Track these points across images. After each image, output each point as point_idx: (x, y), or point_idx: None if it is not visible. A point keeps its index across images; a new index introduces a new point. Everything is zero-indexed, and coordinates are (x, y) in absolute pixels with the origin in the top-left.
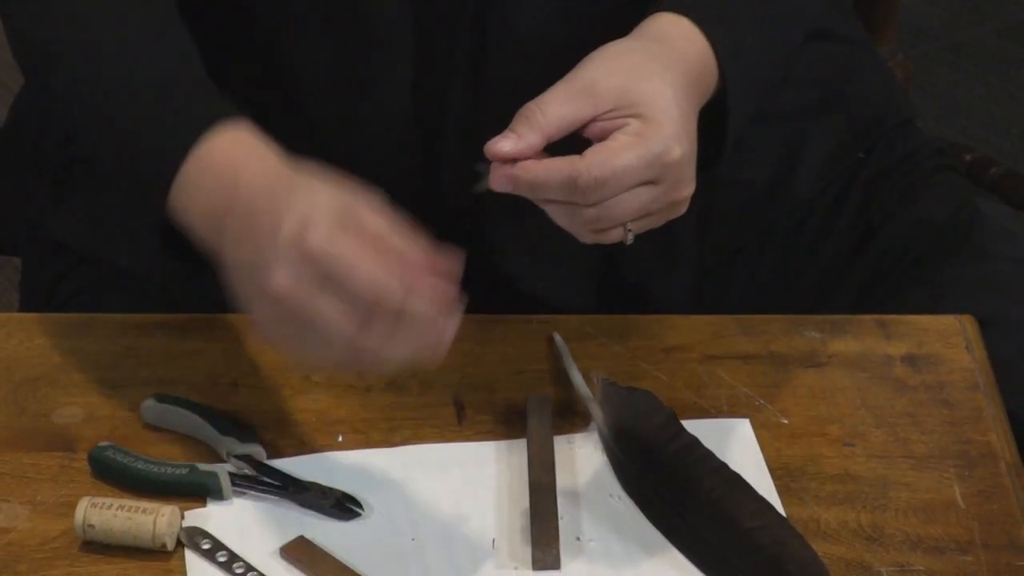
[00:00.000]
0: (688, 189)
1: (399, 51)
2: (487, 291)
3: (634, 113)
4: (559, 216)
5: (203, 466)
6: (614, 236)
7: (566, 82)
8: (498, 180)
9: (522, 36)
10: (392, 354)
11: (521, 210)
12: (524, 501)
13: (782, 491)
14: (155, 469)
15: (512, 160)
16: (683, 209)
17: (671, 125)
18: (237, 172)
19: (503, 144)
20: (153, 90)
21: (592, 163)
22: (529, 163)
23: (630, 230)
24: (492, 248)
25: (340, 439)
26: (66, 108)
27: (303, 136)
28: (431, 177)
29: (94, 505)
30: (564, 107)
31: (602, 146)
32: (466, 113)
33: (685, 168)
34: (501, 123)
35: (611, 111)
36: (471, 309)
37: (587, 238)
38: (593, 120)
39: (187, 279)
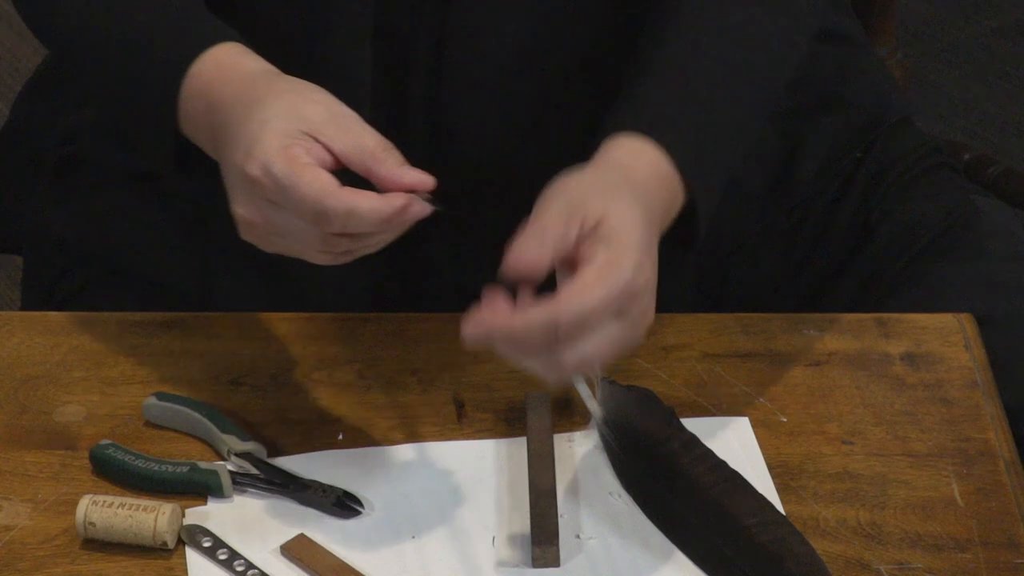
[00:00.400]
0: (649, 318)
1: (358, 48)
2: (438, 291)
3: (603, 239)
4: (531, 363)
5: (204, 464)
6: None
7: (556, 202)
8: (473, 332)
9: (483, 33)
10: (365, 244)
11: (469, 218)
12: (524, 499)
13: (781, 489)
14: (156, 467)
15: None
16: (641, 340)
17: (635, 255)
18: (214, 95)
19: (523, 257)
20: (147, 20)
21: (570, 304)
22: (506, 317)
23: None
24: (440, 247)
25: (340, 437)
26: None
27: None
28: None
29: (95, 503)
30: (563, 226)
31: (575, 285)
32: (427, 104)
33: (648, 298)
34: (461, 115)
35: (587, 233)
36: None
37: (554, 378)
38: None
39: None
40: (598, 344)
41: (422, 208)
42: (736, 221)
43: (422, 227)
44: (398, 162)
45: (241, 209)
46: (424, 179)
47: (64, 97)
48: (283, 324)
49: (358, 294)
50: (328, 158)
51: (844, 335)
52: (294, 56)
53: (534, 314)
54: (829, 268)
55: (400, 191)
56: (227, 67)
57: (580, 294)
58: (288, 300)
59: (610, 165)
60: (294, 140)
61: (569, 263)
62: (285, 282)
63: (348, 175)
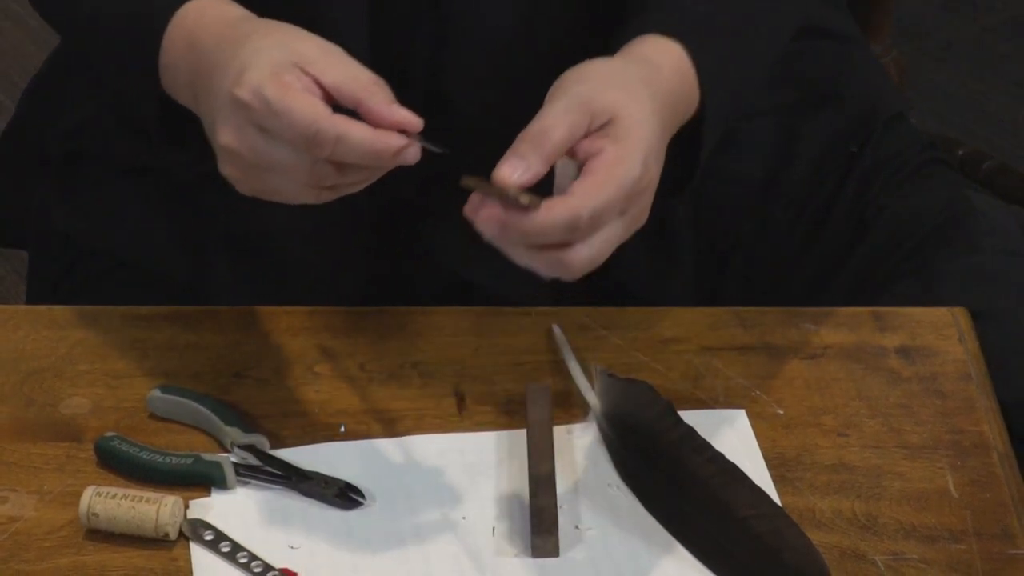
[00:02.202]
0: (642, 221)
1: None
2: (431, 281)
3: (613, 137)
4: (536, 260)
5: (207, 456)
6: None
7: (563, 99)
8: (487, 224)
9: (483, 30)
10: (350, 180)
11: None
12: (524, 490)
13: (777, 481)
14: (160, 459)
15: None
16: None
17: (643, 154)
18: (196, 36)
19: (511, 173)
20: None
21: (586, 202)
22: (521, 216)
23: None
24: (434, 236)
25: (342, 429)
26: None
27: None
28: None
29: (98, 494)
30: (567, 130)
31: (588, 184)
32: (425, 98)
33: (647, 198)
34: (456, 115)
35: (597, 129)
36: (412, 301)
37: (553, 275)
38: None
39: (196, 167)
40: (604, 243)
41: (415, 151)
42: (733, 216)
43: (416, 199)
44: (389, 99)
45: (226, 138)
46: (413, 120)
47: (69, 93)
48: (286, 318)
49: (353, 288)
50: (318, 92)
51: (840, 329)
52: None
53: (552, 214)
54: (825, 262)
55: (388, 128)
56: (209, 15)
57: (595, 192)
58: (284, 295)
59: (633, 58)
60: (285, 69)
61: (571, 153)
62: (281, 277)
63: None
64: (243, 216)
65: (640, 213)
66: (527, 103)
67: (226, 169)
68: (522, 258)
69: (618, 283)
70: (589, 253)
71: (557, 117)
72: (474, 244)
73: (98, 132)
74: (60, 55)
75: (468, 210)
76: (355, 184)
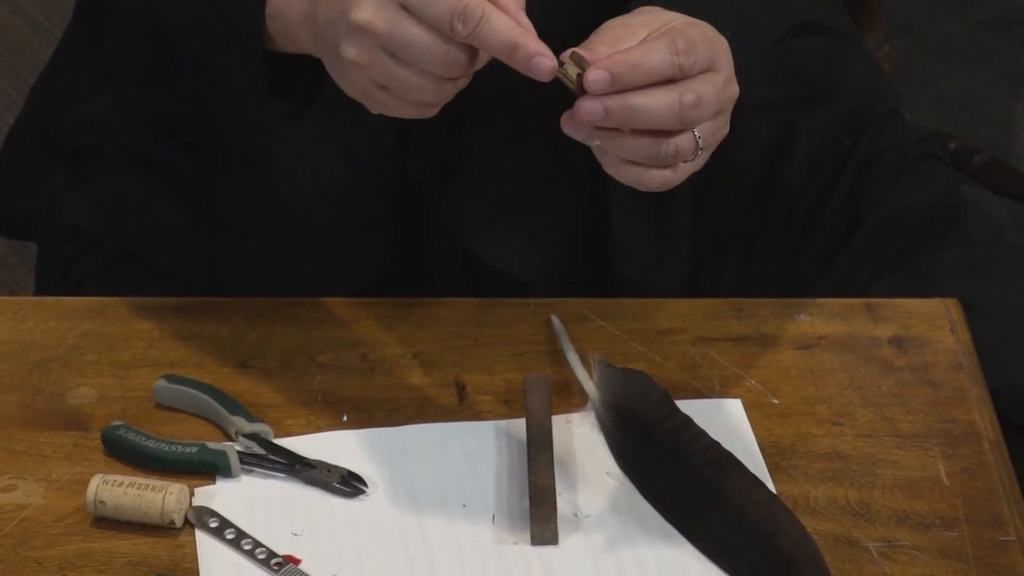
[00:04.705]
0: (734, 87)
1: None
2: (447, 266)
3: (668, 26)
4: (651, 103)
5: (212, 445)
6: (686, 146)
7: (597, 35)
8: (595, 80)
9: None
10: (470, 72)
11: (481, 180)
12: (523, 479)
13: (772, 469)
14: (166, 448)
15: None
16: (726, 130)
17: (703, 23)
18: None
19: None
20: None
21: (673, 32)
22: (621, 52)
23: (699, 138)
24: (453, 220)
25: (345, 418)
26: None
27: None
28: (396, 146)
29: (105, 482)
30: (611, 39)
31: (669, 31)
32: None
33: (729, 58)
34: (476, 98)
35: (647, 36)
36: (432, 289)
37: (659, 167)
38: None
39: (294, 117)
40: (711, 89)
41: (549, 64)
42: (731, 208)
43: (433, 176)
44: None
45: (363, 14)
46: (531, 27)
47: (76, 88)
48: (289, 309)
49: (368, 274)
50: None
51: (834, 319)
52: None
53: (645, 44)
54: (820, 254)
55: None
56: None
57: (679, 30)
58: (299, 283)
59: (640, 10)
60: None
61: None
62: (296, 265)
63: None
64: (259, 206)
65: (730, 77)
66: (547, 86)
67: (350, 52)
68: (652, 114)
69: (617, 273)
70: (696, 94)
71: (595, 41)
72: (489, 220)
73: (108, 125)
74: (66, 50)
75: (587, 77)
76: (462, 83)
